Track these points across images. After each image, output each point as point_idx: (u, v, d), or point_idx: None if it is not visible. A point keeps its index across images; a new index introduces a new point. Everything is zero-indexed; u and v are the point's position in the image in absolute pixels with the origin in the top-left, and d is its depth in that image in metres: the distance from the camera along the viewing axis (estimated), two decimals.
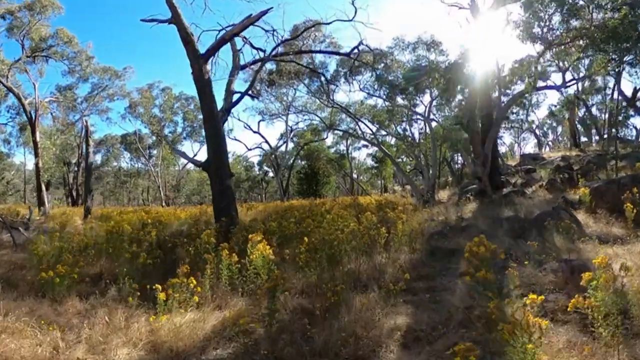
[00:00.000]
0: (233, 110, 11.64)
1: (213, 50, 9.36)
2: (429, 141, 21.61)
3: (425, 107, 20.61)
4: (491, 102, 12.75)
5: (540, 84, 16.38)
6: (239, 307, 4.54)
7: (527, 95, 13.39)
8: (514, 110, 28.78)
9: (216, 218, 8.70)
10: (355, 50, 12.75)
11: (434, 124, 20.16)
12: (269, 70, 18.07)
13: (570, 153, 21.99)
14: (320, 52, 15.94)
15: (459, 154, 29.53)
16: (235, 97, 10.71)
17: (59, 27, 24.52)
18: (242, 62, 11.54)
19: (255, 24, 10.06)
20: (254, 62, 11.61)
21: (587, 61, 21.77)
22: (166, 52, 73.78)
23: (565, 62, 17.92)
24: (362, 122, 22.01)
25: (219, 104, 9.79)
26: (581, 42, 12.37)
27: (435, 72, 18.22)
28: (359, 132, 23.74)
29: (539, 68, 13.47)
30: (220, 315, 4.33)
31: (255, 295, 4.57)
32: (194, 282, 4.39)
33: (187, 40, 9.21)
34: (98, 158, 48.77)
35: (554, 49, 13.79)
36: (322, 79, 18.26)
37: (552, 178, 13.14)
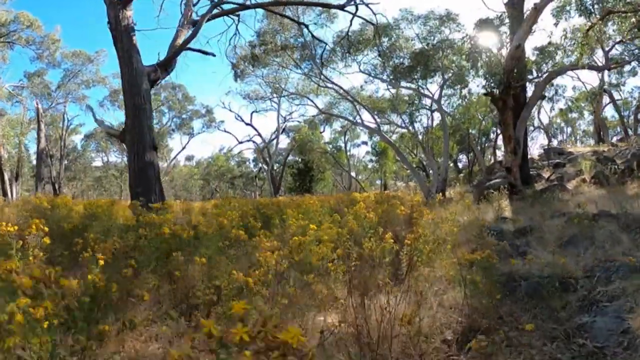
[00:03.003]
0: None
1: None
2: (437, 130, 18.91)
3: (432, 94, 17.79)
4: (527, 71, 10.05)
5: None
6: None
7: (578, 65, 10.98)
8: None
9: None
10: (352, 4, 9.94)
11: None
12: (250, 41, 15.24)
13: (599, 148, 19.38)
14: (302, 3, 12.97)
15: (464, 153, 26.95)
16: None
17: (20, 11, 22.21)
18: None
19: None
20: (211, 16, 8.84)
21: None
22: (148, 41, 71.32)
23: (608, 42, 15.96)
24: (363, 106, 19.05)
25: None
26: (634, 19, 10.81)
27: (450, 49, 15.64)
28: (359, 119, 20.85)
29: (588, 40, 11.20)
30: None
31: None
32: None
33: None
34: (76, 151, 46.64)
35: (602, 22, 11.83)
36: (314, 50, 15.35)
37: (599, 171, 10.42)
